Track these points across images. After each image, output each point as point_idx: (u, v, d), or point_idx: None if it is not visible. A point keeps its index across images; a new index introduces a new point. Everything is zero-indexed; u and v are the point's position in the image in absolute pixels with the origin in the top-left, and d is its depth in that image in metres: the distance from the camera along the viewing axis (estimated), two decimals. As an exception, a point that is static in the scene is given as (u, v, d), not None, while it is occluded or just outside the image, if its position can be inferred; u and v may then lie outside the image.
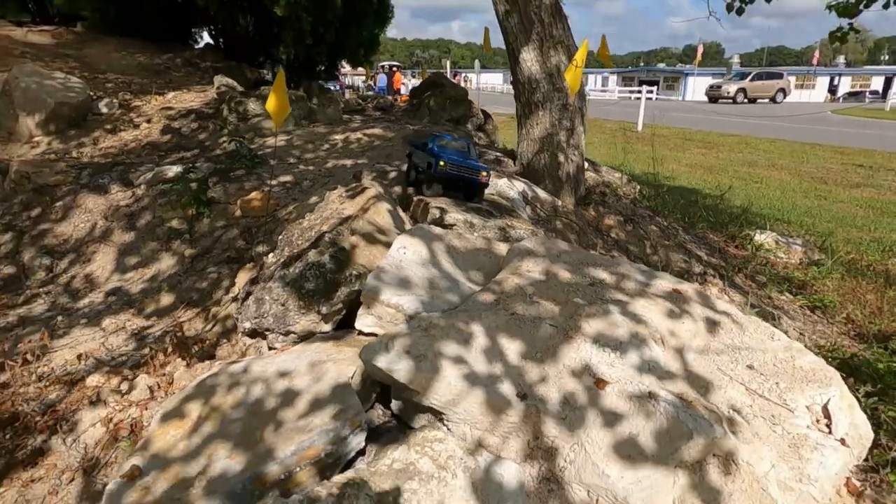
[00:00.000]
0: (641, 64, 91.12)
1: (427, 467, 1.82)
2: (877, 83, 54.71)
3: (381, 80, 30.73)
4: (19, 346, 3.74)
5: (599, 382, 2.07)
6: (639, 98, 23.48)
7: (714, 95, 39.73)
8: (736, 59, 76.37)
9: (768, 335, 2.48)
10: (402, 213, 4.04)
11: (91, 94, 7.20)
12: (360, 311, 2.58)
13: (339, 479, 1.77)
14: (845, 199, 11.21)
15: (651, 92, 41.65)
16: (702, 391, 2.15)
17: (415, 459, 1.84)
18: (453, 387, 1.95)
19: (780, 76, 40.82)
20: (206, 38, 12.92)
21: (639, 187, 7.33)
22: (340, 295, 2.67)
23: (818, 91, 55.46)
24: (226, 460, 1.98)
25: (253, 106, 6.64)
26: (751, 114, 30.47)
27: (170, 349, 3.19)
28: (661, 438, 1.89)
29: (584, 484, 1.86)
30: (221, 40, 11.43)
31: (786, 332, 4.58)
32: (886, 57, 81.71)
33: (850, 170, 14.74)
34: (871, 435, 2.16)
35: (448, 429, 2.01)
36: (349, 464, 2.01)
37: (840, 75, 58.61)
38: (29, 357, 3.46)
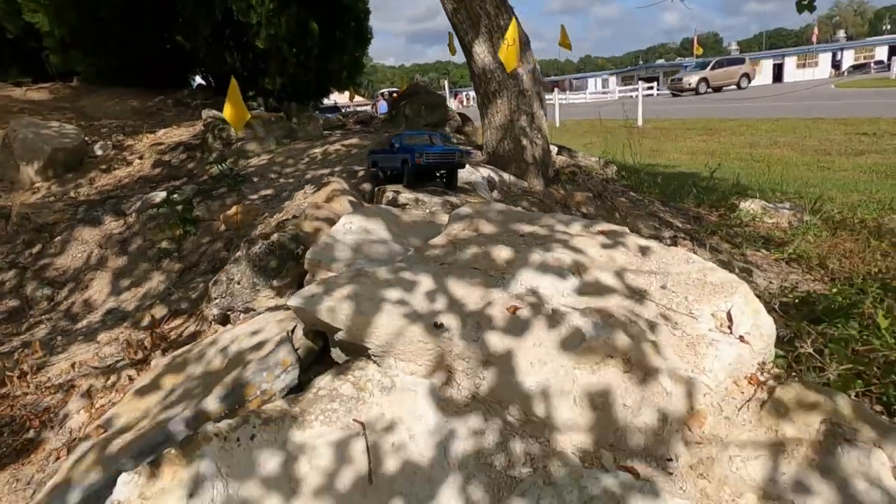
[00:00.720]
0: (641, 62, 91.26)
1: (348, 391, 2.01)
2: (881, 53, 54.15)
3: (382, 106, 31.35)
4: (19, 363, 4.02)
5: (515, 311, 2.25)
6: (645, 94, 23.61)
7: (676, 88, 38.42)
8: (734, 47, 76.17)
9: (685, 259, 2.64)
10: (366, 205, 4.27)
11: (86, 138, 7.61)
12: (306, 280, 2.79)
13: (268, 407, 1.97)
14: (849, 168, 11.09)
15: (651, 88, 41.66)
16: (615, 312, 2.31)
17: (338, 385, 2.03)
18: (379, 324, 2.14)
19: (741, 61, 39.48)
20: (199, 80, 13.46)
21: (615, 168, 7.47)
22: (290, 269, 2.89)
23: (821, 68, 55.08)
24: (183, 412, 2.19)
25: (237, 133, 6.96)
26: (748, 96, 30.36)
27: (149, 345, 3.42)
28: (564, 345, 2.05)
29: (499, 402, 2.03)
30: (211, 80, 11.93)
31: (755, 283, 4.70)
32: (889, 27, 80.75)
33: (854, 139, 14.58)
34: (774, 333, 2.30)
35: (377, 364, 2.19)
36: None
37: (842, 49, 58.18)
38: (26, 369, 3.72)
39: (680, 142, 17.23)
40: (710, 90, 36.82)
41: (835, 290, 4.20)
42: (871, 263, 5.14)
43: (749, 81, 38.10)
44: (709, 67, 37.72)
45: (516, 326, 2.16)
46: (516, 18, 4.77)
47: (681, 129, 20.58)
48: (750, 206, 7.37)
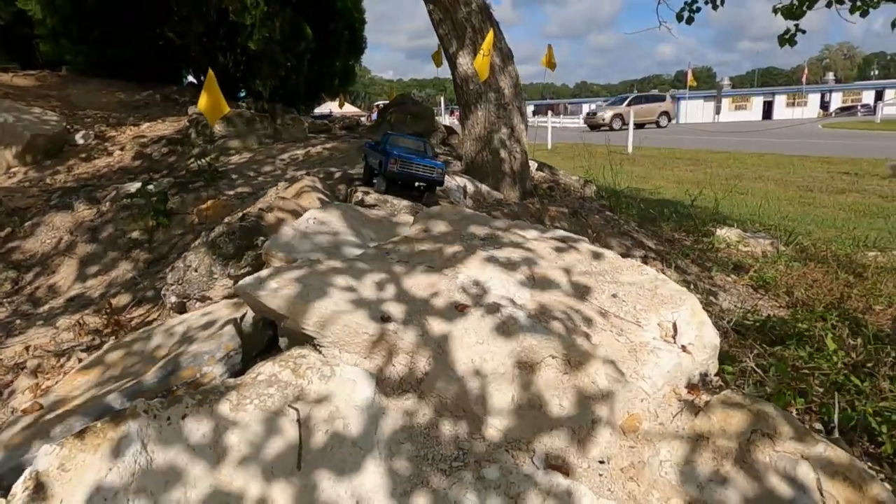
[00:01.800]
0: (635, 90, 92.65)
1: (287, 377, 2.00)
2: (868, 97, 55.40)
3: (375, 118, 31.48)
4: (-27, 343, 3.95)
5: (459, 306, 2.26)
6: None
7: (591, 123, 36.26)
8: (727, 82, 77.66)
9: (638, 271, 2.67)
10: (335, 202, 4.28)
11: (67, 126, 7.57)
12: (262, 270, 2.78)
13: (203, 389, 1.95)
14: (829, 205, 11.27)
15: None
16: (562, 311, 2.33)
17: (277, 371, 2.02)
18: (317, 309, 2.14)
19: (661, 98, 37.41)
20: (191, 78, 13.46)
21: (595, 188, 7.54)
22: (248, 258, 2.88)
23: (810, 108, 56.24)
24: (121, 389, 2.17)
25: (219, 128, 6.97)
26: (741, 130, 30.88)
27: (103, 330, 3.38)
28: (507, 344, 2.07)
29: (434, 389, 2.04)
30: (203, 78, 11.94)
31: (719, 305, 4.75)
32: (876, 72, 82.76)
33: (836, 177, 14.86)
34: (717, 342, 2.33)
35: (320, 352, 2.19)
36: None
37: (831, 91, 59.49)
38: (-22, 349, 3.66)
39: (667, 170, 17.44)
40: (624, 127, 34.12)
41: (795, 315, 4.26)
42: (834, 293, 5.22)
43: (669, 120, 36.48)
44: (625, 103, 35.45)
45: (456, 316, 2.17)
46: (496, 30, 4.84)
47: (669, 157, 20.86)
48: (726, 233, 7.47)
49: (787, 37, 7.05)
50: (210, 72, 3.84)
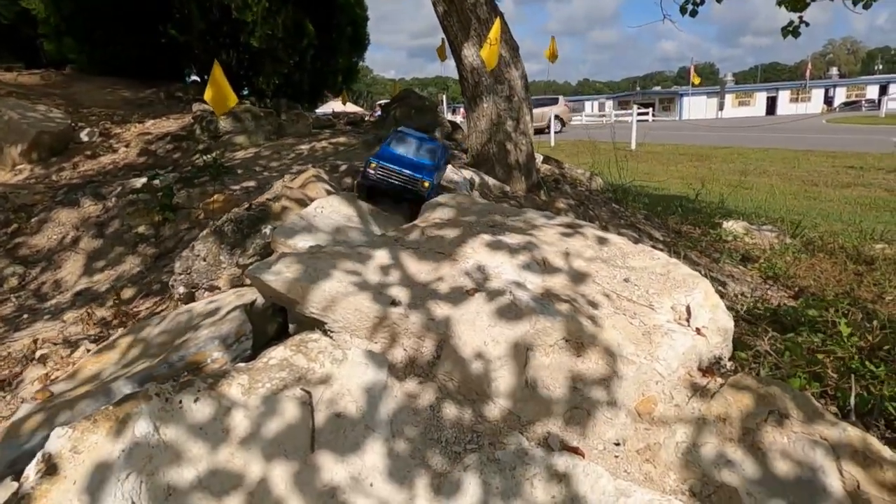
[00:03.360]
0: (637, 87, 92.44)
1: (299, 361, 1.99)
2: (872, 92, 55.12)
3: (378, 115, 31.38)
4: (-18, 337, 3.95)
5: (467, 290, 2.24)
6: (639, 119, 23.65)
7: None
8: (730, 77, 77.35)
9: (650, 256, 2.65)
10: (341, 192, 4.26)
11: (73, 124, 7.57)
12: (271, 256, 2.77)
13: (214, 373, 1.94)
14: (835, 199, 11.21)
15: (646, 114, 41.44)
16: (569, 294, 2.31)
17: (289, 355, 2.00)
18: (328, 294, 2.12)
19: (554, 101, 33.49)
20: (194, 77, 13.45)
21: (601, 181, 7.52)
22: (256, 246, 2.87)
23: (814, 103, 55.98)
24: (123, 378, 2.16)
25: (224, 124, 6.97)
26: (744, 125, 30.79)
27: (112, 321, 3.38)
28: (515, 327, 2.05)
29: (442, 371, 2.02)
30: (206, 76, 11.93)
31: (730, 293, 4.72)
32: (881, 66, 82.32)
33: (842, 171, 14.78)
34: (731, 326, 2.30)
35: (330, 337, 2.18)
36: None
37: (835, 86, 59.22)
38: (-13, 342, 3.66)
39: (671, 166, 17.38)
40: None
41: (805, 303, 4.23)
42: (843, 284, 5.19)
43: (563, 125, 32.76)
44: None
45: (463, 300, 2.16)
46: (503, 19, 4.81)
47: (673, 154, 20.80)
48: (733, 225, 7.44)
49: (790, 28, 7.02)
50: (216, 63, 3.82)
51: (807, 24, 6.87)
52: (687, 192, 11.41)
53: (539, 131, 32.66)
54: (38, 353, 3.43)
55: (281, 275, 2.17)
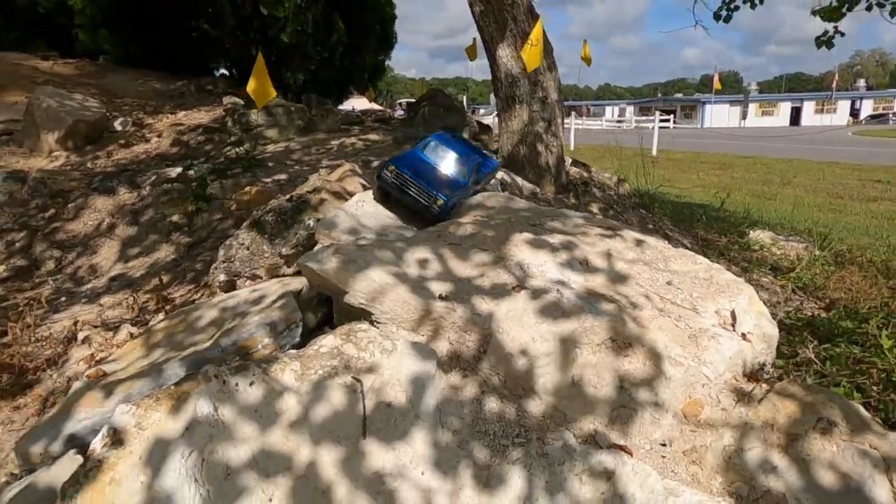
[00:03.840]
0: (659, 94, 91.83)
1: (350, 350, 2.02)
2: (901, 105, 54.31)
3: (399, 114, 31.45)
4: (23, 317, 4.04)
5: (512, 286, 2.27)
6: (660, 126, 23.64)
7: None
8: (754, 87, 76.57)
9: (692, 261, 2.65)
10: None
11: (107, 113, 7.70)
12: (319, 246, 2.81)
13: (267, 358, 1.98)
14: (860, 212, 11.05)
15: (668, 120, 41.31)
16: (613, 295, 2.32)
17: (339, 344, 2.04)
18: (376, 284, 2.16)
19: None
20: (222, 70, 13.61)
21: (628, 186, 7.50)
22: (299, 237, 2.91)
23: (839, 115, 55.27)
24: (176, 360, 2.21)
25: (255, 117, 7.05)
26: (768, 135, 30.49)
27: (153, 307, 3.44)
28: (559, 325, 2.06)
29: (486, 366, 2.04)
30: (234, 70, 12.08)
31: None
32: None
33: (868, 185, 14.58)
34: (776, 333, 2.30)
35: (377, 328, 2.21)
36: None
37: (861, 98, 58.40)
38: (30, 322, 3.75)
39: (692, 174, 17.25)
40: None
41: (839, 315, 4.19)
42: (876, 298, 5.13)
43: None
44: None
45: (507, 296, 2.18)
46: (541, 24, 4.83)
47: (694, 161, 20.65)
48: (759, 235, 7.39)
49: (824, 39, 6.94)
50: (260, 56, 3.88)
51: (842, 35, 6.78)
52: (709, 201, 11.34)
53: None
54: (79, 335, 3.50)
55: (331, 264, 2.21)
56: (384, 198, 3.21)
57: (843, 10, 6.54)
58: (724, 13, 7.64)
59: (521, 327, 2.10)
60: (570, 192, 5.74)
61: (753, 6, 7.80)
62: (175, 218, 5.36)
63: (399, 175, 3.03)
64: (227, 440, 1.70)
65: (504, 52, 5.36)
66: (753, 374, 2.15)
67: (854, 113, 55.72)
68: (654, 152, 21.74)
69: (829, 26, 6.68)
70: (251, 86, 3.82)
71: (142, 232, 5.31)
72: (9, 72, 9.21)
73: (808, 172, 17.13)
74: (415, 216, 3.16)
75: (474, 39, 7.88)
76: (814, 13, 6.76)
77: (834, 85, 57.92)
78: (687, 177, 16.67)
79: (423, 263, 2.39)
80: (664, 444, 1.90)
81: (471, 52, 7.51)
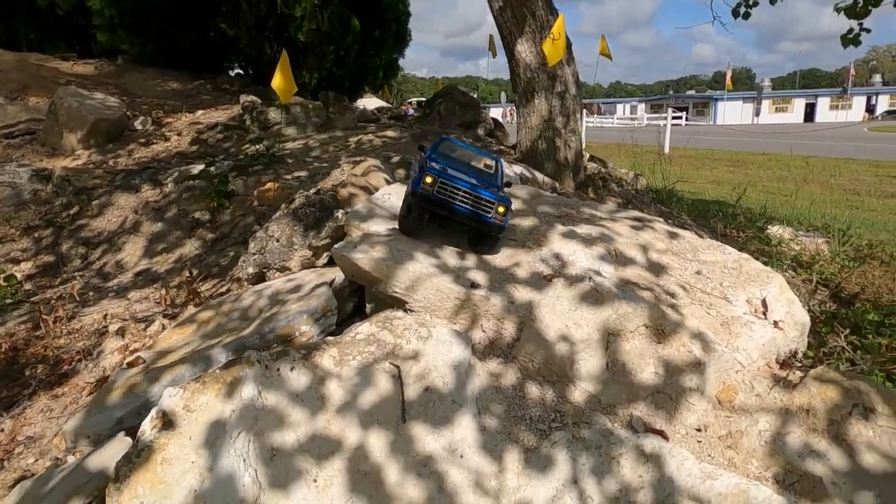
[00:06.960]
0: (671, 91, 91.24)
1: (386, 337, 2.05)
2: (919, 101, 53.65)
3: (409, 113, 31.59)
4: (54, 310, 4.12)
5: (546, 275, 2.29)
6: (673, 123, 23.55)
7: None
8: (767, 83, 75.85)
9: (720, 251, 2.66)
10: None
11: (127, 112, 7.80)
12: (352, 237, 2.85)
13: (307, 345, 2.02)
14: (878, 208, 10.95)
15: (680, 118, 41.10)
16: (644, 284, 2.34)
17: (375, 331, 2.07)
18: (412, 274, 2.19)
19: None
20: (237, 70, 13.70)
21: (645, 182, 7.48)
22: (328, 229, 2.95)
23: (855, 111, 54.66)
24: (218, 346, 2.25)
25: (273, 115, 7.11)
26: (782, 131, 30.21)
27: (182, 299, 3.49)
28: (596, 312, 2.08)
29: (523, 352, 2.07)
30: (250, 70, 12.15)
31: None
32: (926, 75, 79.94)
33: (885, 181, 14.43)
34: (807, 321, 2.31)
35: (412, 315, 2.24)
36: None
37: (878, 94, 57.73)
38: (62, 314, 3.82)
39: (706, 171, 17.14)
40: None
41: (863, 308, 4.17)
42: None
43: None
44: None
45: (542, 285, 2.21)
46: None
47: (708, 158, 20.51)
48: (778, 230, 7.34)
49: (850, 36, 6.83)
50: (284, 52, 3.93)
51: (868, 31, 6.67)
52: (724, 197, 11.27)
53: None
54: (111, 327, 3.56)
55: (367, 254, 2.24)
56: (416, 221, 2.41)
57: (869, 6, 6.43)
58: (742, 9, 7.58)
59: (558, 315, 2.12)
60: (589, 186, 5.75)
61: (773, 1, 7.73)
62: (198, 214, 5.42)
63: (445, 184, 2.24)
64: (272, 423, 1.74)
65: (523, 48, 5.37)
66: (786, 362, 2.16)
67: (870, 108, 55.08)
68: (667, 150, 21.61)
69: (855, 24, 6.59)
70: (276, 82, 3.87)
71: (165, 228, 5.38)
72: (31, 73, 9.35)
73: (825, 169, 16.98)
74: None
75: (490, 36, 7.93)
76: (837, 10, 6.67)
77: (850, 81, 57.23)
78: (701, 174, 16.58)
79: (455, 254, 2.41)
80: (699, 430, 1.92)
81: (492, 48, 7.53)
